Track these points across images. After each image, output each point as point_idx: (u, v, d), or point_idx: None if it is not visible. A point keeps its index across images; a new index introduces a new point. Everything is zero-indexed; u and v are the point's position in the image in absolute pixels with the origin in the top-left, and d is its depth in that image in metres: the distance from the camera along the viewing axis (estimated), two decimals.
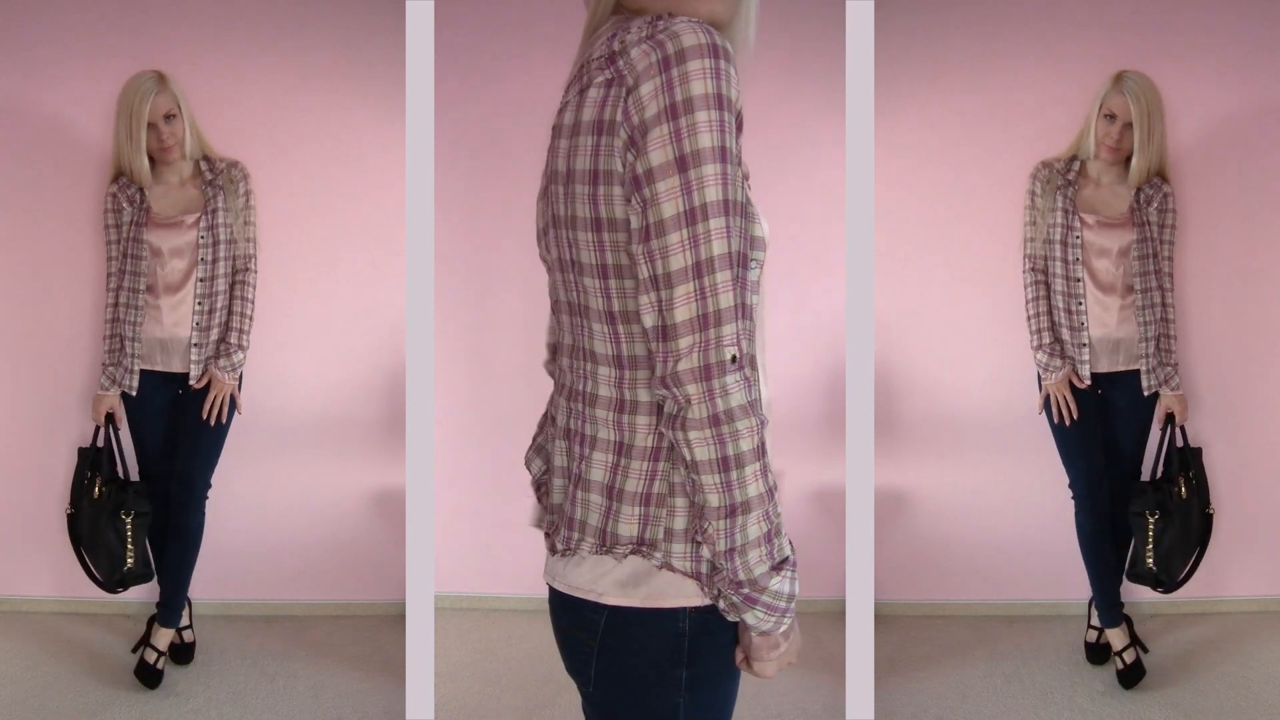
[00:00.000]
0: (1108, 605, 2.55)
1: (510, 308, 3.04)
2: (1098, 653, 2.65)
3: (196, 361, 2.52)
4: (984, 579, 2.94)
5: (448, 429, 3.03)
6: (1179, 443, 2.52)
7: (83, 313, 2.82)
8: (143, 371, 2.53)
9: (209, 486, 2.60)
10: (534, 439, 1.21)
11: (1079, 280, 2.49)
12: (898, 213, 2.83)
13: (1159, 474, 2.54)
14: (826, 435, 2.92)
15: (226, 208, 2.53)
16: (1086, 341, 2.50)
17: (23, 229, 2.82)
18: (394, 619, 2.86)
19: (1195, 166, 2.76)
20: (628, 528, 0.99)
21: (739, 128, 0.92)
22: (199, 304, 2.51)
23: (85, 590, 2.61)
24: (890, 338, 2.88)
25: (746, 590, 0.95)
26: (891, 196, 2.81)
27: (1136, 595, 2.79)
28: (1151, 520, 2.46)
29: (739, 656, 1.05)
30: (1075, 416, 2.51)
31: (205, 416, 2.52)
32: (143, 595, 2.77)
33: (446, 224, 2.93)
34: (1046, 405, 2.55)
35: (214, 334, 2.54)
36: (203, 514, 2.60)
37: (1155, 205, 2.50)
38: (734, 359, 0.90)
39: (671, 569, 0.98)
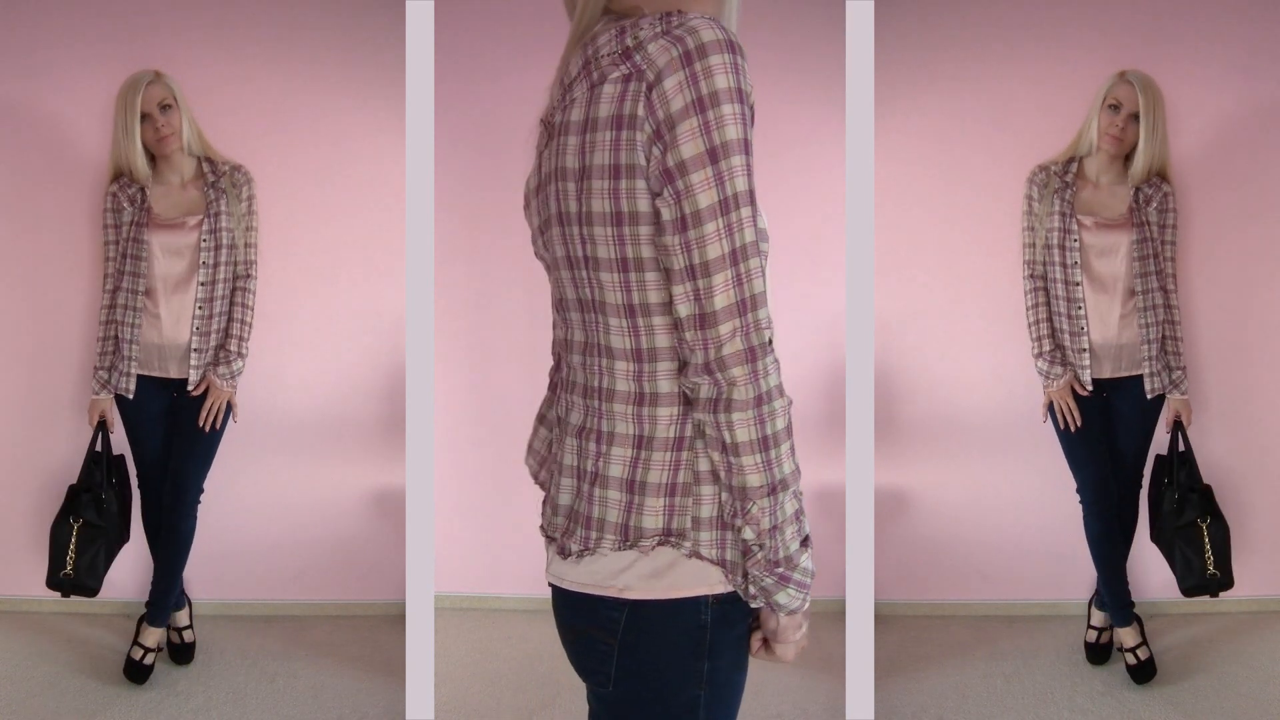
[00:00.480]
0: (1119, 605, 2.55)
1: (510, 308, 3.04)
2: (1098, 653, 2.66)
3: (196, 367, 2.50)
4: (984, 579, 2.94)
5: (448, 429, 3.03)
6: (1180, 447, 2.52)
7: (82, 313, 2.82)
8: (139, 377, 2.51)
9: (201, 492, 2.59)
10: (529, 443, 1.21)
11: (1078, 284, 2.48)
12: (898, 212, 2.82)
13: (1180, 479, 2.51)
14: (826, 435, 2.92)
15: (229, 212, 2.52)
16: (1087, 347, 2.48)
17: (22, 230, 2.82)
18: (394, 619, 2.86)
19: (1198, 169, 2.76)
20: (653, 520, 1.00)
21: (752, 119, 0.95)
22: (199, 308, 2.49)
23: None
24: (890, 338, 2.88)
25: (782, 569, 0.98)
26: (891, 196, 2.81)
27: (1136, 595, 2.79)
28: (1204, 526, 2.46)
29: (755, 645, 1.07)
30: (1079, 424, 2.50)
31: (202, 424, 2.51)
32: (143, 596, 2.76)
33: (446, 224, 2.93)
34: (1051, 412, 2.55)
35: (214, 339, 2.52)
36: (194, 519, 2.58)
37: (1155, 205, 2.49)
38: (770, 341, 0.95)
39: (700, 557, 0.99)
